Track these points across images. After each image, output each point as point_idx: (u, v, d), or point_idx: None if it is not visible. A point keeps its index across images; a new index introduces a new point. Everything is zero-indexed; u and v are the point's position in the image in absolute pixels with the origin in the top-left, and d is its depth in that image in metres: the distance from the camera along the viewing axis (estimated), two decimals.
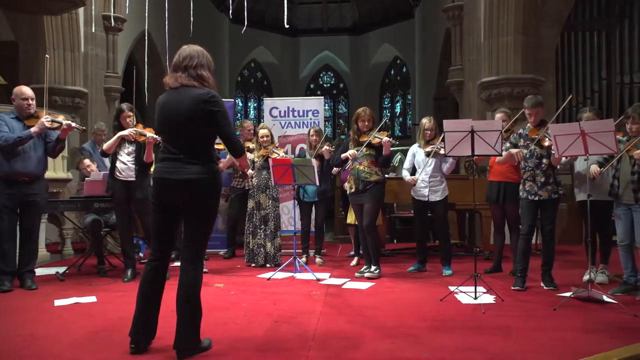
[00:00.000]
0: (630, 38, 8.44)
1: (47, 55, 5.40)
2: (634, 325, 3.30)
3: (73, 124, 4.55)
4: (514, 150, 4.39)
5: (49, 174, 6.60)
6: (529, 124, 4.52)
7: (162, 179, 2.75)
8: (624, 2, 8.49)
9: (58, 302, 3.98)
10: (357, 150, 5.01)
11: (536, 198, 4.35)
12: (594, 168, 4.19)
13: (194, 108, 2.67)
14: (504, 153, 4.45)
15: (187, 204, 2.73)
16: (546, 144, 4.26)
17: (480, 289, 4.09)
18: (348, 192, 5.20)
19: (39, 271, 4.76)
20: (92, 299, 4.12)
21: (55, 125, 4.47)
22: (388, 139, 4.86)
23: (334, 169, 5.74)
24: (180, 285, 2.75)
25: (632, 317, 3.49)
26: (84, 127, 4.92)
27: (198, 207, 2.74)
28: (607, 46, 8.54)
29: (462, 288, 4.20)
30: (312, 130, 5.93)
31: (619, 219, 4.19)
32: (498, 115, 5.24)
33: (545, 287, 4.42)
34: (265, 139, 5.79)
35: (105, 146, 4.83)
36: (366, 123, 5.03)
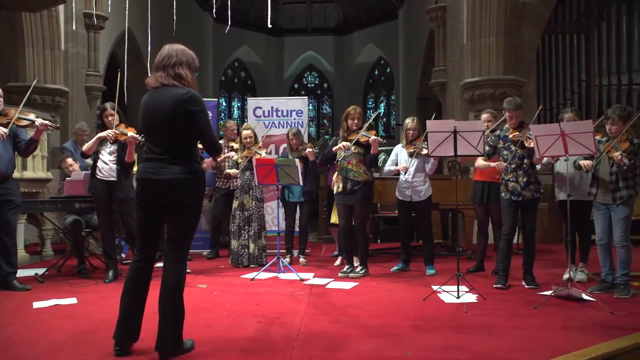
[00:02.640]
0: (608, 41, 8.60)
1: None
2: (612, 323, 3.36)
3: (47, 123, 4.40)
4: (493, 164, 4.53)
5: (28, 174, 6.52)
6: (506, 126, 4.58)
7: (144, 180, 2.74)
8: (602, 6, 8.64)
9: (37, 304, 3.91)
10: (345, 151, 5.01)
11: (520, 198, 4.41)
12: (586, 162, 4.21)
13: (173, 108, 2.66)
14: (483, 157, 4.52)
15: (170, 204, 2.72)
16: (530, 145, 4.31)
17: (463, 288, 4.13)
18: (335, 191, 5.20)
19: (18, 273, 4.67)
20: (72, 300, 4.05)
21: (25, 123, 4.36)
22: (376, 137, 4.87)
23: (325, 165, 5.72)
24: (162, 286, 2.73)
25: (610, 314, 3.55)
26: (57, 125, 4.80)
27: (180, 207, 2.72)
28: (586, 48, 8.69)
29: (445, 287, 4.24)
30: (290, 133, 5.90)
31: (598, 218, 4.26)
32: (484, 116, 5.28)
33: (526, 286, 4.47)
34: (248, 139, 5.76)
35: (85, 147, 4.78)
36: (355, 121, 5.04)
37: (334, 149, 5.11)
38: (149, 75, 2.82)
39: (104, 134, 4.66)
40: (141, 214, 2.80)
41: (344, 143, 5.00)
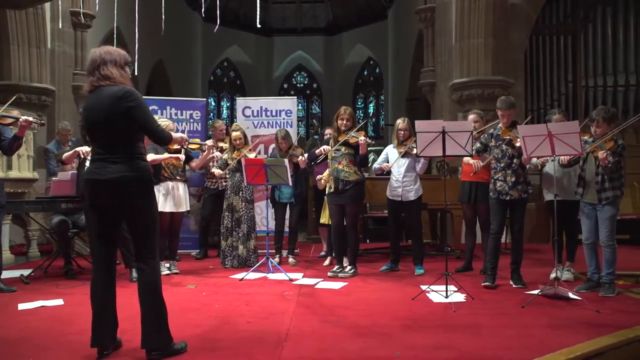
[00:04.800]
0: (594, 43, 8.69)
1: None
2: (597, 321, 3.40)
3: (31, 119, 4.29)
4: (472, 161, 4.76)
5: (13, 174, 6.43)
6: (500, 125, 4.61)
7: (89, 180, 2.76)
8: (588, 8, 8.74)
9: (22, 306, 3.86)
10: (335, 150, 5.03)
11: (507, 198, 4.44)
12: (563, 157, 4.23)
13: (110, 106, 2.68)
14: (473, 154, 4.56)
15: (118, 204, 2.73)
16: (517, 144, 4.35)
17: (452, 287, 4.15)
18: (327, 191, 5.21)
19: (3, 274, 4.61)
20: (58, 301, 4.01)
21: (9, 121, 4.30)
22: (365, 138, 4.90)
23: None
24: (139, 287, 2.75)
25: (596, 313, 3.59)
26: (43, 122, 4.74)
27: (129, 205, 2.73)
28: (572, 50, 8.78)
29: (433, 287, 4.26)
30: (279, 136, 5.85)
31: (584, 218, 4.30)
32: (471, 117, 5.32)
33: (514, 285, 4.51)
34: (238, 141, 5.72)
35: (65, 156, 4.78)
36: (345, 122, 5.06)
37: (316, 152, 5.20)
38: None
39: (80, 149, 4.68)
40: (92, 216, 2.81)
41: (324, 147, 5.14)
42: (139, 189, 2.74)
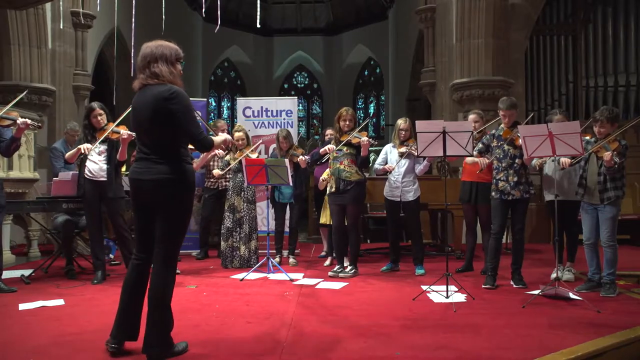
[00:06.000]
0: (595, 43, 8.69)
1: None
2: (598, 321, 3.40)
3: (29, 121, 4.29)
4: (477, 159, 4.68)
5: (14, 174, 6.44)
6: (502, 125, 4.61)
7: (134, 180, 2.75)
8: (588, 8, 8.74)
9: (23, 306, 3.86)
10: (337, 151, 5.04)
11: (509, 197, 4.44)
12: (565, 159, 4.29)
13: (155, 106, 2.65)
14: (475, 153, 4.56)
15: (158, 204, 2.71)
16: (519, 143, 4.35)
17: (452, 287, 4.15)
18: (328, 191, 5.21)
19: (3, 274, 4.61)
20: (59, 302, 4.01)
21: (8, 122, 4.30)
22: (367, 139, 4.90)
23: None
24: (150, 288, 2.72)
25: (596, 313, 3.59)
26: (40, 125, 4.75)
27: (166, 207, 2.70)
28: (573, 50, 8.78)
29: (434, 287, 4.26)
30: (280, 136, 5.85)
31: (585, 218, 4.30)
32: (471, 117, 5.32)
33: (515, 286, 4.51)
34: (240, 141, 5.73)
35: (67, 156, 4.78)
36: (347, 122, 5.06)
37: (320, 151, 5.19)
38: (132, 75, 2.86)
39: (83, 147, 4.65)
40: (136, 214, 2.82)
41: (329, 146, 5.12)
42: (178, 192, 2.70)
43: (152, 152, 2.70)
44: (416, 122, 4.31)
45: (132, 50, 6.41)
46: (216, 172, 5.75)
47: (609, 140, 4.08)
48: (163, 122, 2.66)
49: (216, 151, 5.82)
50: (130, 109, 2.84)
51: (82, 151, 4.64)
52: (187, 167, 2.75)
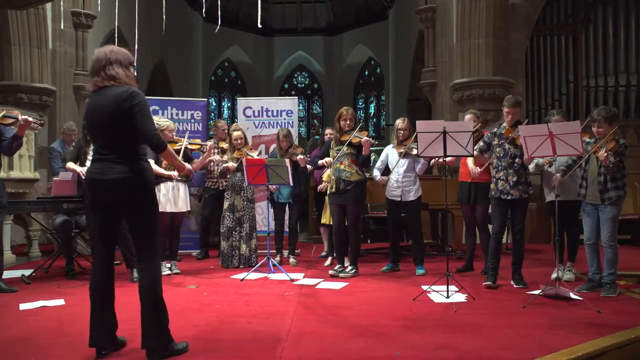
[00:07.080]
0: (595, 43, 8.69)
1: None
2: (598, 322, 3.40)
3: (30, 119, 4.28)
4: (471, 165, 4.84)
5: (15, 174, 6.44)
6: (504, 124, 4.61)
7: (92, 180, 2.77)
8: (588, 8, 8.73)
9: (23, 306, 3.86)
10: (337, 151, 5.04)
11: (508, 197, 4.44)
12: (558, 177, 4.36)
13: (115, 107, 2.68)
14: (475, 153, 4.56)
15: (120, 204, 2.74)
16: (520, 142, 4.35)
17: (452, 287, 4.15)
18: (328, 191, 5.21)
19: (4, 274, 4.62)
20: (59, 302, 4.01)
21: (10, 121, 4.30)
22: (367, 138, 4.90)
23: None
24: (140, 287, 2.76)
25: (597, 313, 3.59)
26: (42, 122, 4.73)
27: (131, 206, 2.74)
28: (573, 50, 8.77)
29: (434, 287, 4.26)
30: (280, 135, 5.84)
31: (586, 218, 4.30)
32: (467, 117, 5.32)
33: (515, 285, 4.51)
34: (239, 141, 5.73)
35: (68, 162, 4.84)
36: (347, 122, 5.06)
37: (319, 162, 5.21)
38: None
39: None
40: (93, 215, 2.84)
41: (327, 159, 5.13)
42: (141, 190, 2.74)
43: (111, 152, 2.73)
44: (417, 122, 4.30)
45: (136, 50, 6.41)
46: (231, 164, 5.67)
47: (605, 139, 4.08)
48: (123, 122, 2.69)
49: (215, 157, 5.85)
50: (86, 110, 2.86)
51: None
52: (145, 165, 2.79)
